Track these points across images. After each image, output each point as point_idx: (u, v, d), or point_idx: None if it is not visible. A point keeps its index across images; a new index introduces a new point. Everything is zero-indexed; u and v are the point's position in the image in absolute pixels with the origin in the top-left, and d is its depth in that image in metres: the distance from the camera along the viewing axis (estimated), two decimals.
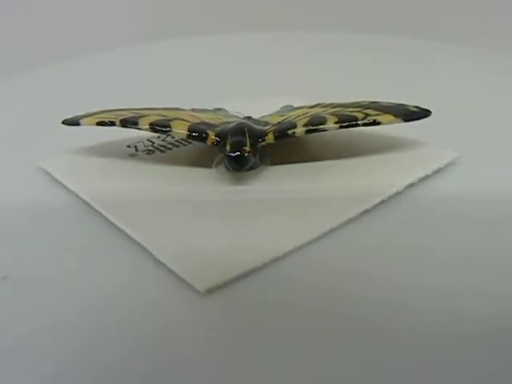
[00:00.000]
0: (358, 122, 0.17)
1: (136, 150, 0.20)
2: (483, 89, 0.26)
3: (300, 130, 0.17)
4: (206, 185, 0.17)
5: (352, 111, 0.18)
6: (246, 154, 0.16)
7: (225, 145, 0.17)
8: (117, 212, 0.16)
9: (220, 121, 0.19)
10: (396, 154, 0.19)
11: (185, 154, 0.20)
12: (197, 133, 0.18)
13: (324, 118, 0.17)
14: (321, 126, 0.17)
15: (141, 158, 0.20)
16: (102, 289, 0.14)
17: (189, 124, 0.18)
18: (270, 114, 0.21)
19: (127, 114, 0.19)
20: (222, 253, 0.14)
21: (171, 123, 0.18)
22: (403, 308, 0.13)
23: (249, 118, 0.20)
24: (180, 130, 0.18)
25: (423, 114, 0.18)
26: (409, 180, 0.17)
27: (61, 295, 0.13)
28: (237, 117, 0.20)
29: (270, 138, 0.17)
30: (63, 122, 0.19)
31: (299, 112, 0.19)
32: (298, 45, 0.34)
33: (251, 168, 0.17)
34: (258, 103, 0.22)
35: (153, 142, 0.21)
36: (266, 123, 0.19)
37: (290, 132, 0.17)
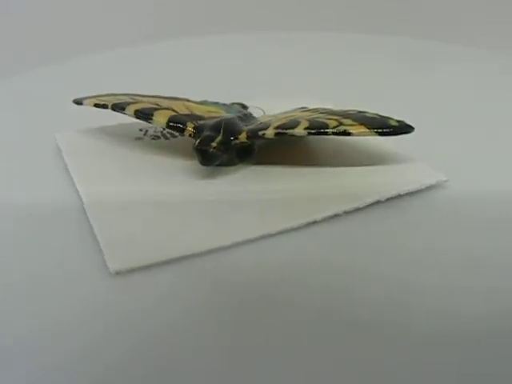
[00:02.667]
0: (327, 131, 0.17)
1: (145, 134, 0.21)
2: (483, 89, 0.26)
3: (270, 132, 0.17)
4: (179, 177, 0.18)
5: (329, 119, 0.18)
6: (211, 150, 0.17)
7: (198, 138, 0.17)
8: (87, 191, 0.17)
9: (215, 115, 0.19)
10: (381, 166, 0.18)
11: (186, 143, 0.20)
12: (176, 124, 0.18)
13: (298, 122, 0.17)
14: (289, 131, 0.17)
15: (144, 143, 0.20)
16: (101, 289, 0.14)
17: (171, 114, 0.18)
18: (268, 114, 0.21)
19: (124, 99, 0.20)
20: (149, 241, 0.15)
21: (155, 112, 0.19)
22: (402, 308, 0.13)
23: (246, 115, 0.20)
24: (160, 120, 0.18)
25: (404, 129, 0.17)
26: (376, 197, 0.16)
27: (61, 295, 0.13)
28: (241, 112, 0.20)
29: (242, 137, 0.17)
30: (73, 101, 0.20)
31: (289, 114, 0.19)
32: (298, 45, 0.34)
33: (227, 164, 0.18)
34: (279, 102, 0.22)
35: (164, 128, 0.21)
36: (256, 121, 0.19)
37: (260, 133, 0.17)
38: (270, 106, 0.21)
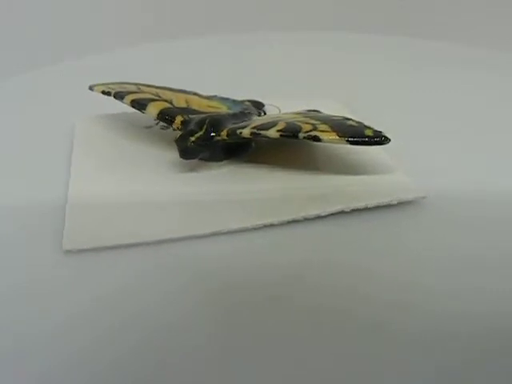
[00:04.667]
0: (299, 135, 0.17)
1: (157, 123, 0.21)
2: (483, 89, 0.26)
3: (246, 132, 0.17)
4: (164, 169, 0.18)
5: (307, 123, 0.18)
6: (189, 144, 0.17)
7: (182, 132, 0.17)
8: (76, 184, 0.18)
9: (213, 110, 0.20)
10: (362, 176, 0.18)
11: None
12: (166, 116, 0.19)
13: (275, 123, 0.17)
14: (262, 132, 0.17)
15: (151, 132, 0.21)
16: (102, 289, 0.14)
17: (163, 107, 0.19)
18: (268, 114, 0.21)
19: (128, 88, 0.20)
20: (110, 227, 0.15)
21: (149, 103, 0.19)
22: (402, 308, 0.13)
23: (244, 113, 0.20)
24: (151, 111, 0.19)
25: (378, 141, 0.17)
26: (340, 206, 0.16)
27: (60, 297, 0.13)
28: (245, 109, 0.20)
29: (223, 135, 0.18)
30: (89, 87, 0.21)
31: (278, 115, 0.19)
32: (297, 45, 0.34)
33: (211, 160, 0.18)
34: (295, 101, 0.21)
35: None
36: (251, 120, 0.19)
37: (238, 132, 0.17)
38: (287, 105, 0.21)
